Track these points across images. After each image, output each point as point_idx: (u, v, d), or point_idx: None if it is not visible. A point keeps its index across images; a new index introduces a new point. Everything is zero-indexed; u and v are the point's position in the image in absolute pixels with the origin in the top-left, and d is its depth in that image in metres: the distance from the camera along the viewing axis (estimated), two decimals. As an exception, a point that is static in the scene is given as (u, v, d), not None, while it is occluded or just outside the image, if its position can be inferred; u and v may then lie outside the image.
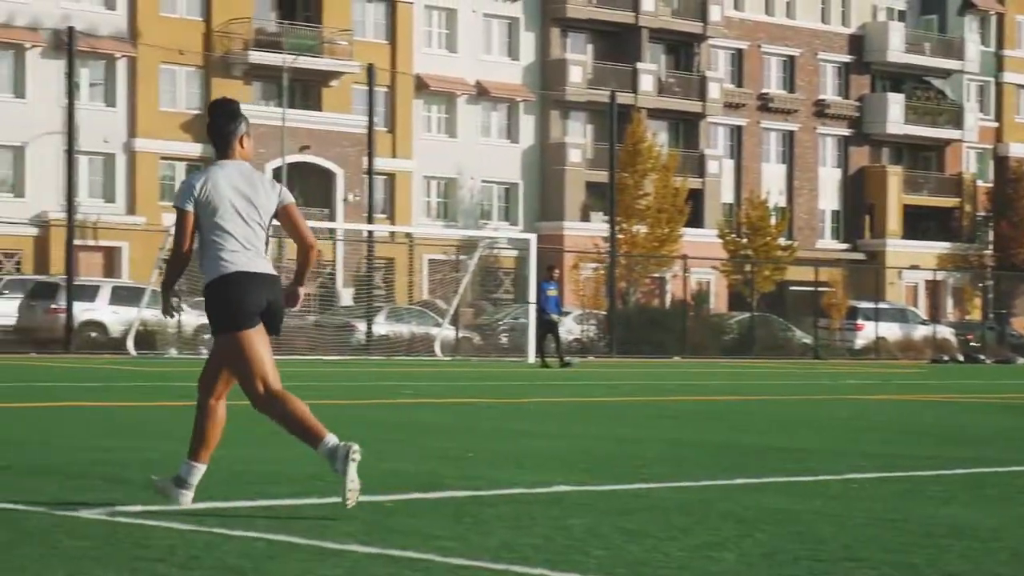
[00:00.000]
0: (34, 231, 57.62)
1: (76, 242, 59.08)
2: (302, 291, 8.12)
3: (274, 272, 7.94)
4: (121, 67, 59.63)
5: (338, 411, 16.27)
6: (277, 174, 60.31)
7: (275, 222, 8.05)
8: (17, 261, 58.02)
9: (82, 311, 42.12)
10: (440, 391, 23.49)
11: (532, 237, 45.66)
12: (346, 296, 59.91)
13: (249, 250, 7.84)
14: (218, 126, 8.06)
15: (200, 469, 7.85)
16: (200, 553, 6.36)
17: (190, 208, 7.88)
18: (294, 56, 59.25)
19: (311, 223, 45.83)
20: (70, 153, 45.84)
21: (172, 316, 8.36)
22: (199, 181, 7.93)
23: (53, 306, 42.50)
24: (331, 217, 62.79)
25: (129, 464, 10.20)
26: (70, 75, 45.76)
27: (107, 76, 59.91)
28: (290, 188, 59.52)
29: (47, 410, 17.00)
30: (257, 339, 7.80)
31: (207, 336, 41.21)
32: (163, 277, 8.28)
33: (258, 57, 61.33)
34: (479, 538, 7.01)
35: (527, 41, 69.59)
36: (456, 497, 8.70)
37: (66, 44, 57.71)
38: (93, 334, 41.89)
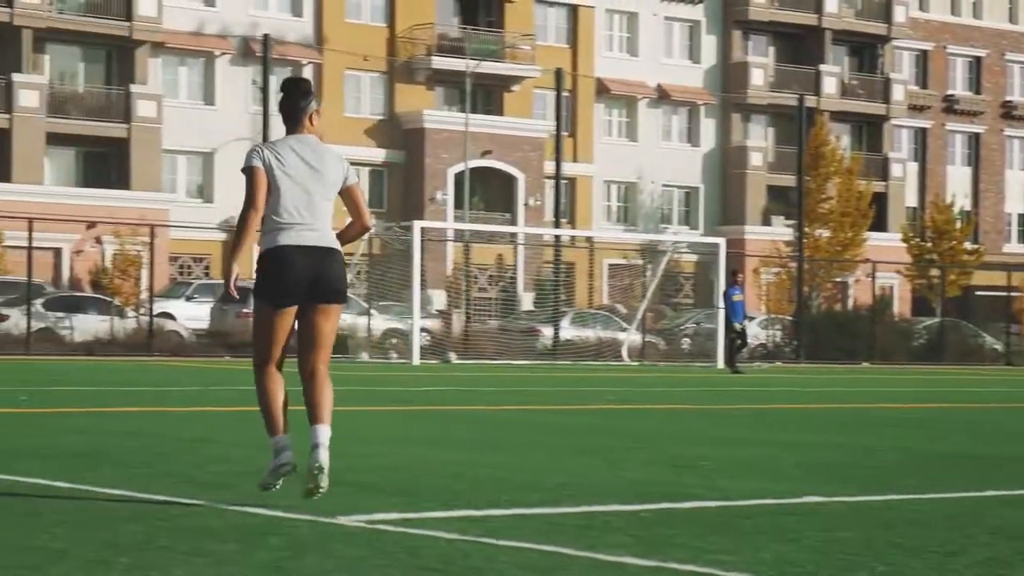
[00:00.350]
0: (222, 236, 58.47)
1: (259, 246, 60.38)
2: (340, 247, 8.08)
3: (330, 244, 7.92)
4: (307, 73, 60.30)
5: (553, 418, 16.16)
6: (460, 179, 60.62)
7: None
8: (206, 266, 58.95)
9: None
10: (638, 397, 23.31)
11: (721, 242, 45.30)
12: (526, 300, 60.00)
13: (304, 223, 7.88)
14: (293, 102, 8.10)
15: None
16: (481, 565, 6.26)
17: (259, 164, 7.89)
18: (477, 61, 59.44)
19: (492, 227, 46.19)
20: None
21: (236, 298, 8.63)
22: (267, 148, 7.99)
23: (244, 310, 42.99)
24: (512, 221, 62.92)
25: (366, 470, 10.17)
26: (265, 81, 45.98)
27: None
28: (472, 193, 59.87)
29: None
30: (279, 321, 7.97)
31: (395, 340, 41.53)
32: (233, 240, 8.29)
33: (440, 62, 61.69)
34: (752, 551, 6.83)
35: (708, 44, 69.16)
36: (708, 508, 8.52)
37: (255, 52, 58.79)
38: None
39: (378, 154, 61.76)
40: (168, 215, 54.93)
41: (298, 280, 7.85)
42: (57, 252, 55.08)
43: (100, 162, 56.99)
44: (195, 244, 58.34)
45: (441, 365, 37.53)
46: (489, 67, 61.67)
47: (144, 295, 43.57)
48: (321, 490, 7.73)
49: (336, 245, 7.96)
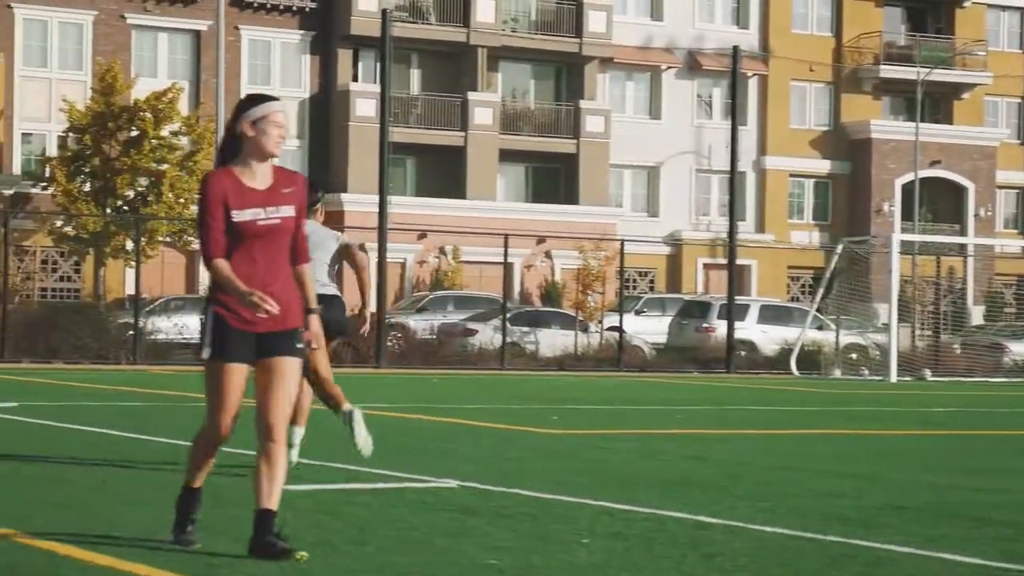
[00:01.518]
0: (666, 249, 58.56)
1: (706, 260, 60.21)
2: (366, 312, 11.28)
3: (334, 290, 10.95)
4: (752, 84, 59.90)
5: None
6: (906, 190, 59.27)
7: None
8: (650, 280, 59.13)
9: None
10: None
11: None
12: (976, 314, 58.22)
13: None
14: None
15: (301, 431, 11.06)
16: None
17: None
18: (928, 69, 57.91)
19: (940, 238, 44.38)
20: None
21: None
22: None
23: (705, 325, 42.88)
24: (962, 232, 61.17)
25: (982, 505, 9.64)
26: (733, 95, 45.37)
27: (738, 94, 60.27)
28: (920, 203, 58.40)
29: (800, 437, 16.73)
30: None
31: (854, 355, 40.62)
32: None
33: (888, 71, 60.44)
34: None
35: None
36: None
37: (700, 65, 58.73)
38: (742, 353, 41.97)
39: (823, 165, 60.90)
40: (615, 229, 55.28)
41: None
42: (508, 267, 56.00)
43: (549, 177, 57.81)
44: (640, 258, 58.49)
45: (917, 383, 36.54)
46: (938, 75, 60.05)
47: (603, 310, 43.86)
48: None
49: (334, 291, 10.94)
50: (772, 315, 43.35)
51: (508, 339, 39.72)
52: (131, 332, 34.33)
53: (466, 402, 22.08)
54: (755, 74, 59.96)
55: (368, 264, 11.39)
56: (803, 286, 61.10)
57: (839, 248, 41.78)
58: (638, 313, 47.81)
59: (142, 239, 46.83)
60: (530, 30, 56.74)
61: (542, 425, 17.16)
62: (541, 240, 55.08)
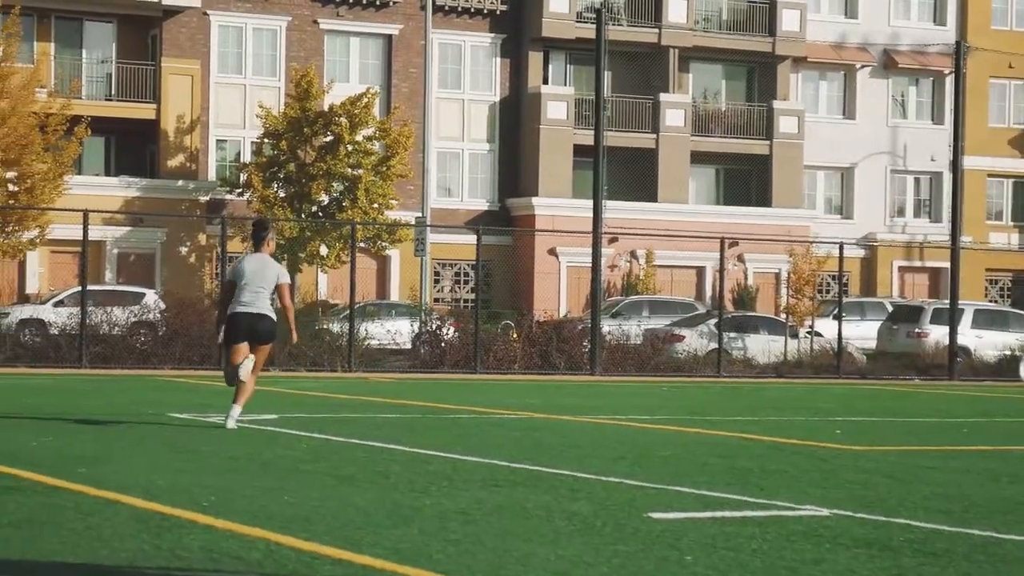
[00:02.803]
0: (860, 252, 57.23)
1: (901, 263, 58.78)
2: (272, 313, 15.71)
3: (263, 312, 15.57)
4: (949, 83, 58.38)
5: None
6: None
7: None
8: (845, 282, 57.80)
9: (945, 335, 40.97)
10: None
11: None
12: None
13: (250, 303, 15.55)
14: (256, 235, 15.92)
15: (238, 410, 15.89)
16: None
17: (229, 279, 16.05)
18: None
19: None
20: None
21: (219, 341, 16.14)
22: (238, 263, 15.90)
23: (917, 330, 41.67)
24: None
25: None
26: (957, 93, 44.06)
27: (935, 92, 58.92)
28: None
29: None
30: (236, 348, 15.65)
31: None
32: (218, 310, 16.53)
33: (1091, 66, 58.72)
34: None
35: None
36: None
37: (896, 63, 57.37)
38: (959, 359, 40.70)
39: (1021, 164, 59.23)
40: (808, 231, 54.13)
41: (241, 330, 15.63)
42: (700, 271, 55.19)
43: (740, 179, 56.79)
44: (834, 261, 57.21)
45: None
46: None
47: (815, 315, 42.83)
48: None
49: (267, 312, 15.61)
50: (987, 320, 42.01)
51: (714, 344, 38.84)
52: (345, 339, 33.94)
53: (724, 413, 21.26)
54: (951, 72, 58.36)
55: (291, 303, 16.02)
56: (1001, 289, 59.47)
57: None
58: (835, 318, 46.61)
59: (337, 244, 46.76)
60: (722, 30, 55.77)
61: (827, 440, 16.36)
62: (734, 243, 54.05)
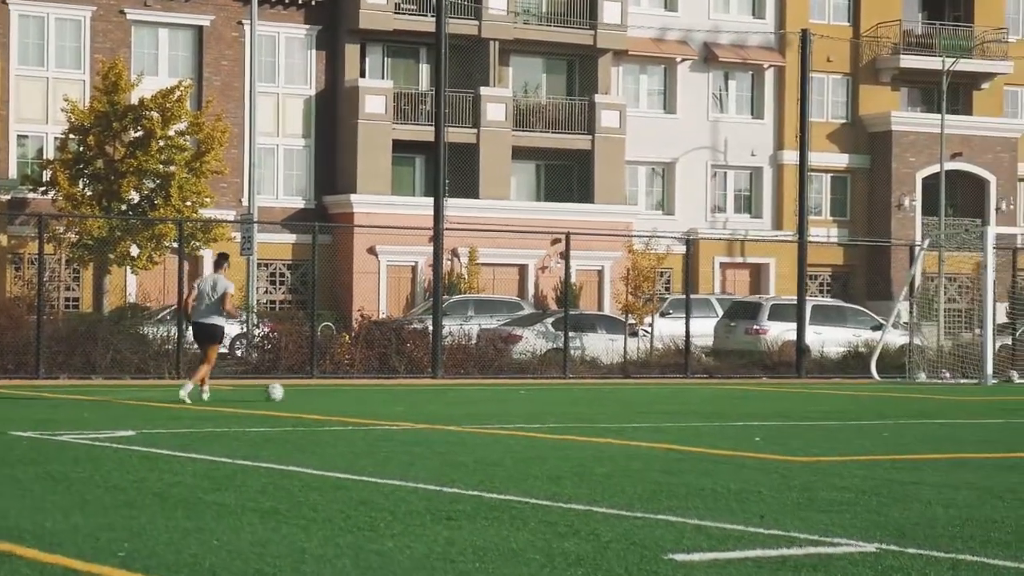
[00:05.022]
0: (681, 248, 56.33)
1: (723, 259, 58.07)
2: (219, 320, 23.13)
3: (212, 320, 22.99)
4: (768, 76, 57.93)
5: None
6: (932, 182, 57.43)
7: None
8: (666, 280, 56.95)
9: (784, 331, 40.17)
10: None
11: None
12: (1000, 311, 56.35)
13: (204, 309, 22.87)
14: (217, 263, 23.57)
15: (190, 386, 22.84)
16: None
17: (195, 288, 23.44)
18: (952, 59, 55.91)
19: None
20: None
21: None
22: (201, 281, 23.59)
23: (755, 327, 40.80)
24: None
25: None
26: (803, 87, 43.25)
27: (754, 87, 58.33)
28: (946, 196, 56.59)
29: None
30: (200, 344, 23.77)
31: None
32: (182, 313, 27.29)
33: (909, 61, 58.56)
34: None
35: None
36: None
37: (716, 57, 56.60)
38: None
39: (841, 159, 58.95)
40: (631, 227, 53.09)
41: (197, 331, 23.44)
42: (522, 268, 53.89)
43: (562, 175, 55.56)
44: (672, 259, 56.34)
45: (1004, 384, 34.63)
46: (958, 64, 58.20)
47: (654, 313, 41.71)
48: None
49: (216, 321, 23.02)
50: (824, 316, 41.31)
51: (553, 345, 37.52)
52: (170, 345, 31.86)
53: (613, 420, 19.79)
54: (771, 66, 57.98)
55: (232, 307, 23.33)
56: (821, 284, 59.17)
57: (925, 244, 39.86)
58: (663, 315, 45.61)
59: (149, 244, 44.50)
60: (542, 22, 54.48)
61: (753, 449, 15.01)
62: (555, 240, 52.78)
